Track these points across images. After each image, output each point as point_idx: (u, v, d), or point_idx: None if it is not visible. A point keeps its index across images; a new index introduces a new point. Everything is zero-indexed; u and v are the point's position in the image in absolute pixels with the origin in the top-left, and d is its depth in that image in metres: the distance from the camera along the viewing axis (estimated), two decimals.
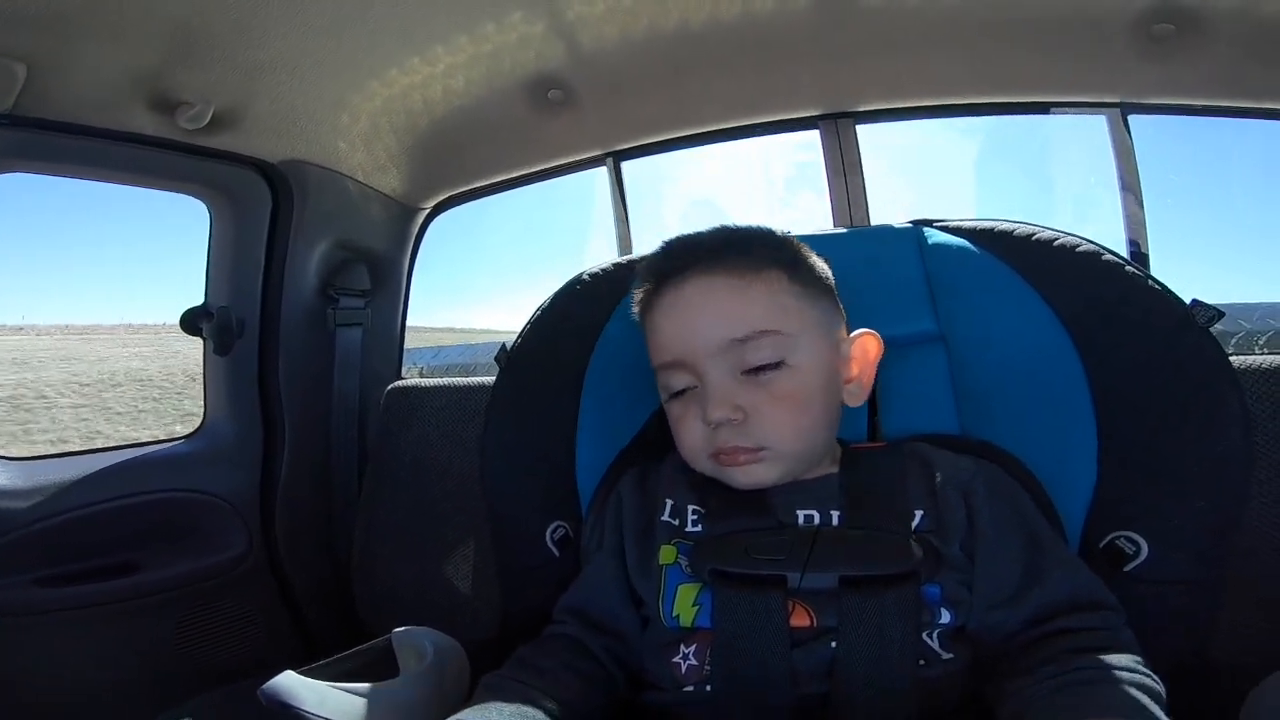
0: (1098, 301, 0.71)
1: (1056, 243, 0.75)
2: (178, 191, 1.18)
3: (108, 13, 0.84)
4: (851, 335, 0.69)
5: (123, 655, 1.10)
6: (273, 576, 1.29)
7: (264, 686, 0.58)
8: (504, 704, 0.56)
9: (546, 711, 0.57)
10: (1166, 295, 0.70)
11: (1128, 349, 0.69)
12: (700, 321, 0.63)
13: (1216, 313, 0.67)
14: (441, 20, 0.98)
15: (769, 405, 0.61)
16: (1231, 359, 0.92)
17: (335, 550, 1.34)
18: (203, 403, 1.31)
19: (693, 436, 0.64)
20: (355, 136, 1.20)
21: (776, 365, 0.62)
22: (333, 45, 0.99)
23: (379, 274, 1.39)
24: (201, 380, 1.30)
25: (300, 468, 1.29)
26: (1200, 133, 1.23)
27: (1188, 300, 0.69)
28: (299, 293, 1.27)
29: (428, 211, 1.44)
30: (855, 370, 0.68)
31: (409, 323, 1.51)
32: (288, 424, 1.27)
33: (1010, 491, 0.64)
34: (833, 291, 0.69)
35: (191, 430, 1.30)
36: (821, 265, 0.69)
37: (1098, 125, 1.21)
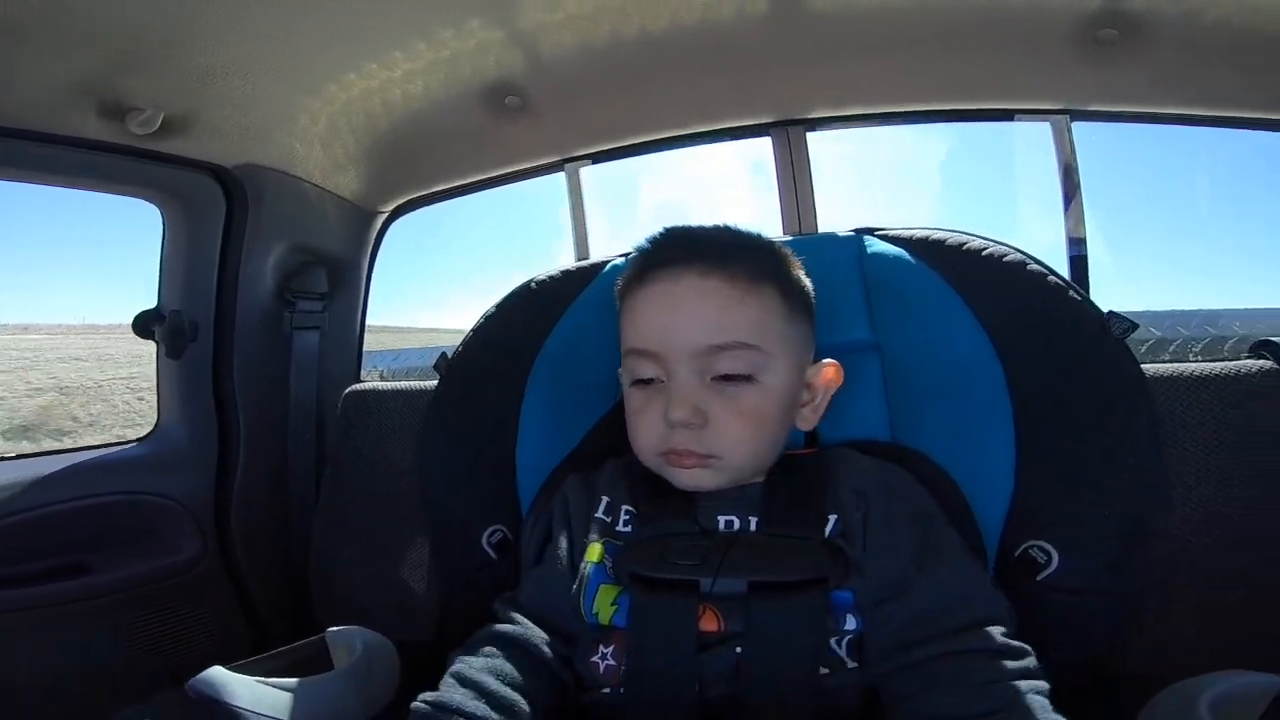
0: (1020, 311, 0.72)
1: (985, 252, 0.77)
2: (129, 195, 1.18)
3: (53, 20, 0.84)
4: (817, 364, 0.70)
5: (74, 657, 1.10)
6: (228, 579, 1.28)
7: (192, 680, 0.59)
8: None
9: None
10: (1085, 306, 0.72)
11: (1046, 359, 0.70)
12: (686, 321, 0.63)
13: (1131, 324, 0.69)
14: (399, 26, 0.98)
15: (730, 416, 0.62)
16: (1158, 366, 0.97)
17: (292, 553, 1.34)
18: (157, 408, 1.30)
19: (649, 431, 0.65)
20: (312, 140, 1.20)
21: (746, 379, 0.63)
22: (285, 51, 0.98)
23: (337, 277, 1.39)
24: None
25: (256, 471, 1.29)
26: (1144, 140, 1.27)
27: (1106, 311, 0.71)
28: (254, 296, 1.27)
29: (386, 215, 1.44)
30: (813, 397, 0.69)
31: (371, 324, 1.51)
32: (243, 427, 1.27)
33: (911, 493, 0.65)
34: (813, 314, 0.70)
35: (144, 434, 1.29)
36: (808, 285, 0.70)
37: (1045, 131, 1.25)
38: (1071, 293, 0.72)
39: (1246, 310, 1.24)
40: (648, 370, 0.65)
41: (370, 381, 1.41)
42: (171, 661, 1.18)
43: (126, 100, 0.99)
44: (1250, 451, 0.92)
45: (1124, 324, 0.69)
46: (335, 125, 1.18)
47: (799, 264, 0.70)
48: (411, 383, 1.28)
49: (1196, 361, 1.03)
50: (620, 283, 0.71)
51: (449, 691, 0.58)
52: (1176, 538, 0.92)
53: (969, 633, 0.55)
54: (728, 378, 0.62)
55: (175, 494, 1.23)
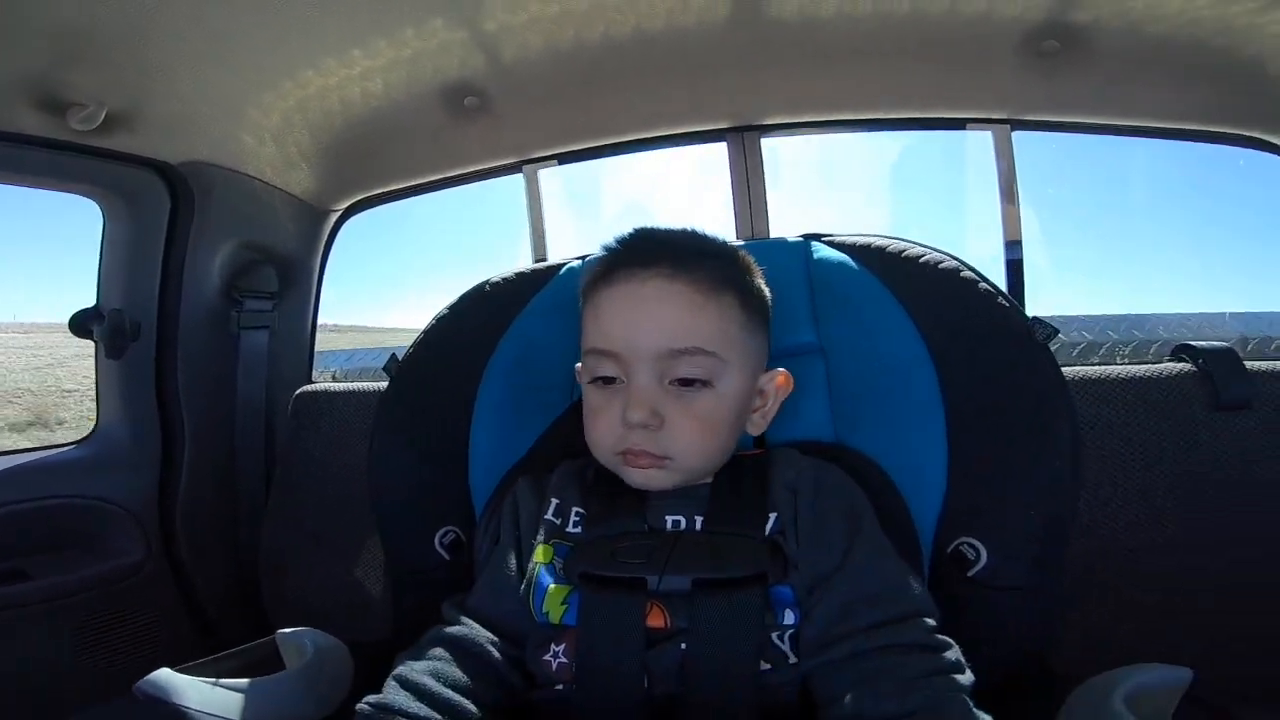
0: (952, 317, 0.75)
1: (921, 259, 0.80)
2: (67, 192, 1.14)
3: None
4: (770, 372, 0.71)
5: (15, 665, 1.07)
6: (174, 582, 1.26)
7: (139, 682, 0.58)
8: None
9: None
10: (1012, 313, 0.75)
11: (976, 362, 0.73)
12: (649, 323, 0.63)
13: (1053, 330, 0.72)
14: (360, 24, 0.97)
15: (684, 420, 0.63)
16: (1085, 370, 1.02)
17: (241, 555, 1.32)
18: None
19: (605, 430, 0.66)
20: (264, 137, 1.18)
21: (703, 384, 0.64)
22: (239, 46, 0.97)
23: (288, 276, 1.37)
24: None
25: (202, 472, 1.27)
26: (1082, 149, 1.33)
27: (1030, 317, 0.75)
28: (200, 295, 1.24)
29: (339, 213, 1.42)
30: (764, 403, 0.71)
31: (323, 322, 1.49)
32: (188, 428, 1.24)
33: (840, 489, 0.67)
34: (769, 322, 0.72)
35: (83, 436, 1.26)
36: (767, 294, 0.72)
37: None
38: (1000, 299, 0.76)
39: (1172, 314, 1.31)
40: (608, 369, 0.66)
41: (322, 382, 1.39)
42: (117, 667, 1.15)
43: (67, 95, 0.96)
44: (1169, 450, 0.98)
45: (1047, 329, 0.72)
46: (289, 121, 1.17)
47: (760, 272, 0.72)
48: (365, 384, 1.27)
49: (1122, 365, 1.08)
50: (585, 280, 0.71)
51: (392, 694, 0.58)
52: (1102, 535, 0.97)
53: (893, 626, 0.57)
54: (685, 382, 0.64)
55: (117, 497, 1.20)
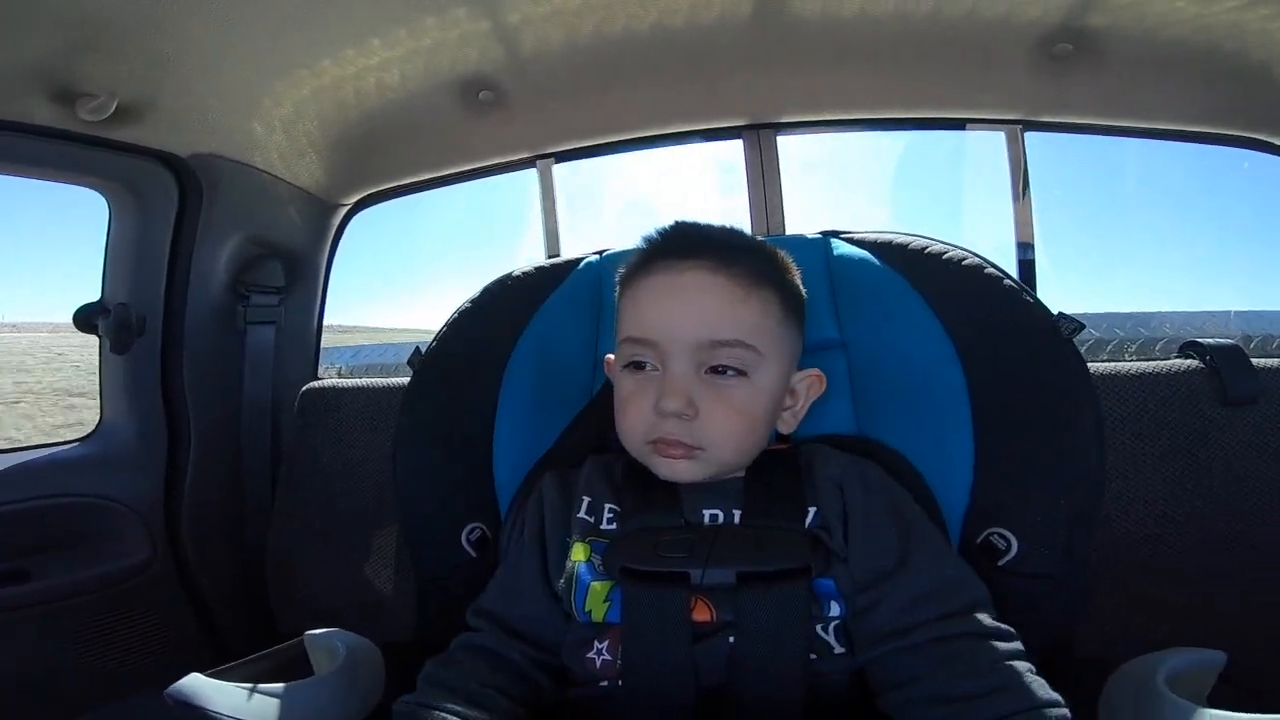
0: (978, 313, 0.76)
1: (945, 256, 0.81)
2: (74, 184, 1.12)
3: (5, 3, 0.80)
4: (803, 371, 0.72)
5: (17, 666, 1.04)
6: (180, 582, 1.24)
7: (169, 689, 0.57)
8: None
9: None
10: (1037, 308, 0.76)
11: (1001, 358, 0.74)
12: (689, 313, 0.64)
13: (1079, 325, 0.73)
14: (370, 17, 0.95)
15: (720, 410, 0.63)
16: (1095, 366, 1.03)
17: (248, 554, 1.30)
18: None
19: (637, 417, 0.65)
20: (274, 129, 1.16)
21: (739, 374, 0.64)
22: (249, 40, 0.95)
23: (295, 271, 1.35)
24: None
25: (208, 470, 1.25)
26: (1092, 149, 1.34)
27: (1056, 313, 0.76)
28: (206, 289, 1.22)
29: (348, 208, 1.40)
30: (794, 402, 0.71)
31: (330, 323, 1.48)
32: (194, 425, 1.23)
33: (885, 486, 0.68)
34: (803, 321, 0.72)
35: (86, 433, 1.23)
36: (802, 292, 0.72)
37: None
38: (1025, 295, 0.77)
39: (1178, 313, 1.33)
40: (643, 355, 0.66)
41: (328, 379, 1.38)
42: (124, 667, 1.14)
43: (79, 86, 0.94)
44: (1178, 445, 0.99)
45: (1072, 324, 0.73)
46: (300, 113, 1.15)
47: (797, 271, 0.72)
48: (372, 380, 1.26)
49: (1131, 361, 1.10)
50: (623, 272, 0.71)
51: (427, 693, 0.59)
52: (1114, 528, 0.99)
53: (961, 617, 0.58)
54: (721, 372, 0.64)
55: (122, 495, 1.17)
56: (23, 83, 0.93)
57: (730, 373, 0.64)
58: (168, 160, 1.15)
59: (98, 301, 1.17)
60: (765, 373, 0.65)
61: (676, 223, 0.70)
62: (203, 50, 0.95)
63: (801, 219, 1.32)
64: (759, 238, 0.74)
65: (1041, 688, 0.53)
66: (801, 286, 0.73)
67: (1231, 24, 0.95)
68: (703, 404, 0.63)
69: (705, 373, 0.64)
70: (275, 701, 0.59)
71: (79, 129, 1.01)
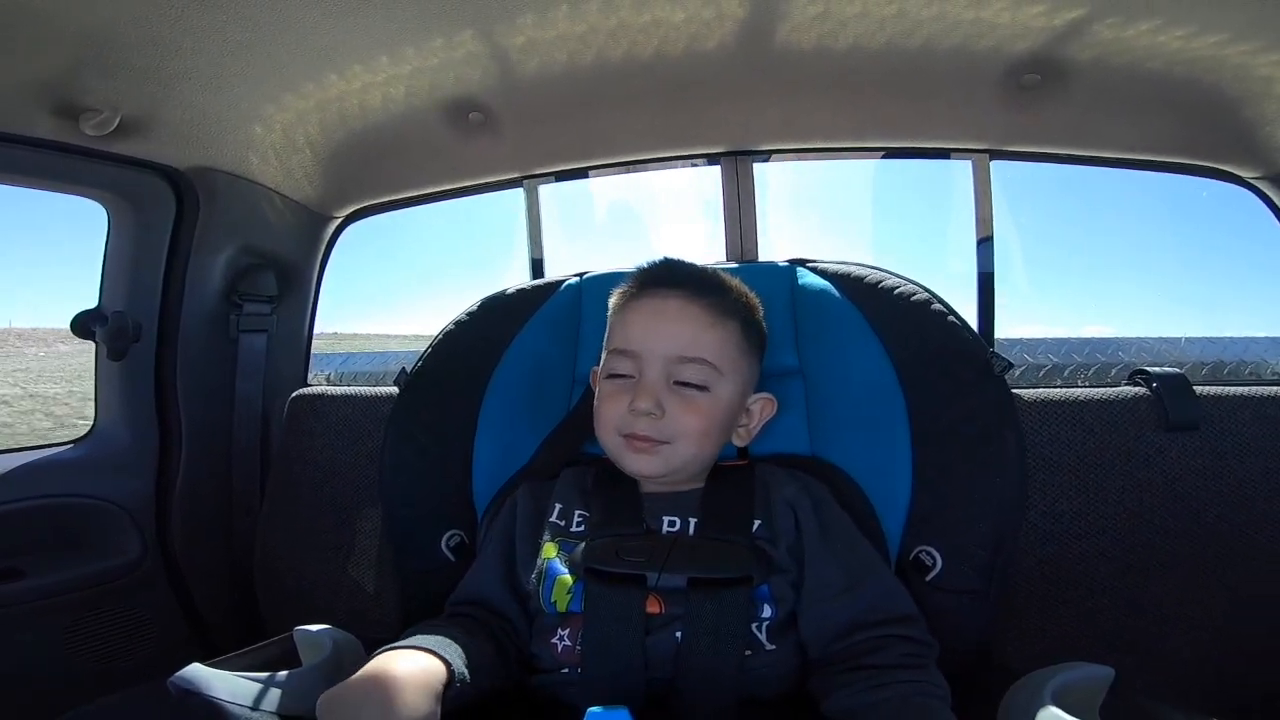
0: (920, 346, 0.83)
1: (897, 290, 0.87)
2: (74, 194, 1.16)
3: (15, 21, 0.84)
4: (757, 396, 0.82)
5: (9, 663, 1.08)
6: (169, 582, 1.28)
7: (173, 677, 0.62)
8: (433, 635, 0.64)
9: (475, 652, 0.65)
10: (974, 343, 0.83)
11: (937, 388, 0.81)
12: (666, 333, 0.76)
13: (1008, 363, 0.81)
14: (362, 40, 1.00)
15: (684, 412, 0.74)
16: (1047, 391, 1.09)
17: (237, 556, 1.34)
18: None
19: (613, 413, 0.76)
20: (268, 146, 1.20)
21: (701, 388, 0.75)
22: (250, 59, 0.99)
23: (287, 280, 1.39)
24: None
25: (199, 473, 1.29)
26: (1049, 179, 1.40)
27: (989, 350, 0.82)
28: (201, 298, 1.27)
29: (340, 220, 1.45)
30: (750, 421, 0.82)
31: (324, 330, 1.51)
32: (186, 429, 1.27)
33: (833, 506, 0.77)
34: (763, 353, 0.84)
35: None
36: (764, 328, 0.83)
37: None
38: (964, 332, 0.84)
39: (1132, 339, 1.39)
40: (623, 367, 0.77)
41: (318, 385, 1.42)
42: (113, 665, 1.17)
43: (83, 101, 0.98)
44: (1123, 468, 1.05)
45: (1003, 363, 0.81)
46: (296, 128, 1.19)
47: (760, 310, 0.83)
48: (360, 388, 1.30)
49: (1083, 387, 1.16)
50: (616, 296, 0.82)
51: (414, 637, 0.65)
52: (1057, 546, 1.04)
53: (891, 624, 0.67)
54: (686, 384, 0.75)
55: (114, 496, 1.22)
56: (29, 98, 0.97)
57: (692, 388, 0.75)
58: (166, 172, 1.19)
59: (95, 308, 1.21)
60: (723, 389, 0.76)
61: (664, 259, 0.82)
62: (204, 67, 0.99)
63: (785, 241, 1.37)
64: (732, 273, 0.84)
65: (927, 694, 0.61)
66: (763, 324, 0.83)
67: (1212, 58, 1.00)
68: (669, 407, 0.74)
69: (674, 384, 0.75)
70: (268, 688, 0.64)
71: (81, 142, 1.06)
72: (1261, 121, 1.10)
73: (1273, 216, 1.23)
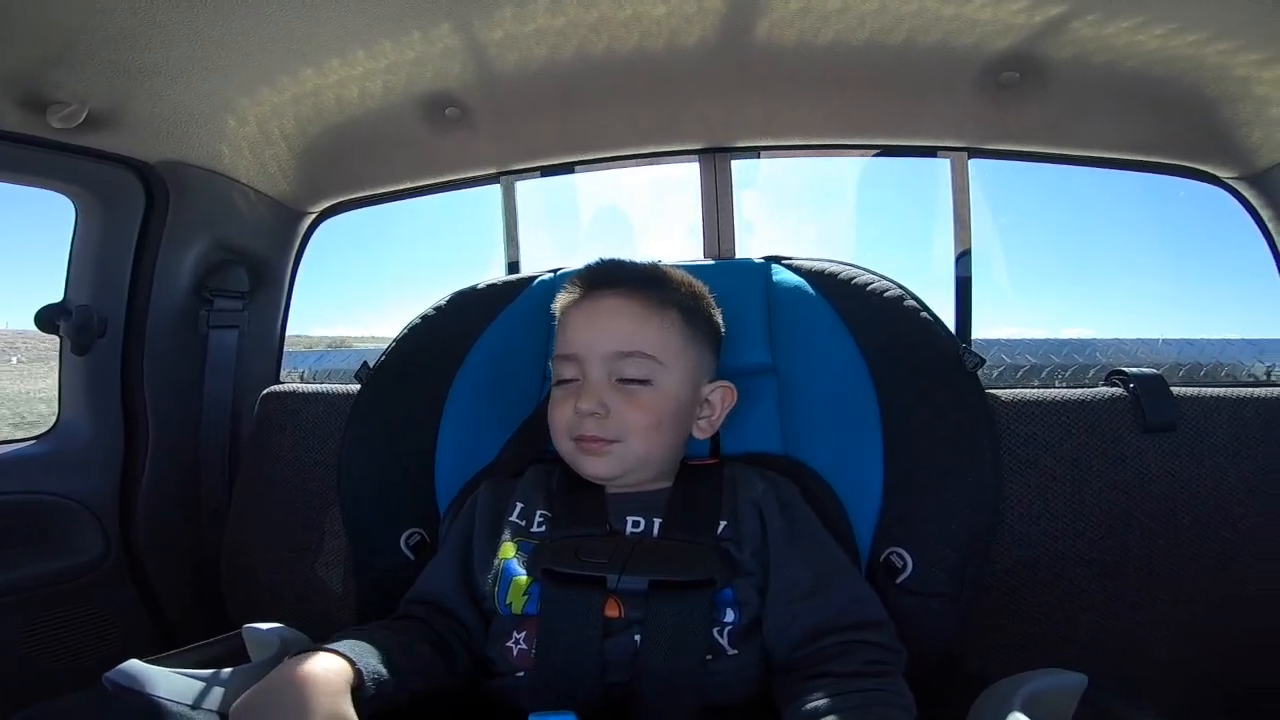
0: (893, 343, 0.82)
1: (869, 287, 0.86)
2: (40, 188, 1.13)
3: None
4: (713, 384, 0.80)
5: None
6: (133, 581, 1.25)
7: (108, 673, 0.60)
8: (357, 641, 0.61)
9: (399, 653, 0.62)
10: (947, 340, 0.81)
11: (909, 386, 0.80)
12: (601, 332, 0.75)
13: (980, 359, 0.79)
14: (338, 34, 0.98)
15: (629, 408, 0.73)
16: (1024, 391, 1.08)
17: (204, 554, 1.32)
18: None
19: (563, 417, 0.76)
20: (241, 139, 1.19)
21: (644, 382, 0.74)
22: (223, 53, 0.98)
23: (259, 276, 1.37)
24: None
25: (165, 470, 1.27)
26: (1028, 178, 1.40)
27: (961, 346, 0.81)
28: (169, 293, 1.24)
29: (314, 216, 1.43)
30: (708, 411, 0.80)
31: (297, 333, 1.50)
32: (152, 426, 1.24)
33: (801, 506, 0.75)
34: (719, 343, 0.82)
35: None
36: (717, 319, 0.83)
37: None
38: (937, 328, 0.82)
39: (1110, 340, 1.39)
40: (568, 371, 0.77)
41: (290, 383, 1.40)
42: (75, 664, 1.15)
43: (50, 94, 0.97)
44: (1100, 469, 1.04)
45: (974, 358, 0.79)
46: (266, 125, 1.18)
47: (711, 301, 0.82)
48: (333, 385, 1.28)
49: (1060, 388, 1.15)
50: (558, 302, 0.82)
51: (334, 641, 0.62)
52: (1034, 548, 1.03)
53: (858, 629, 0.65)
54: (629, 381, 0.74)
55: (77, 493, 1.19)
56: None
57: (635, 384, 0.74)
58: (135, 166, 1.17)
59: (60, 302, 1.19)
60: (667, 381, 0.75)
61: (602, 260, 0.82)
62: (176, 61, 0.97)
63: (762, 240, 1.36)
64: (707, 270, 0.84)
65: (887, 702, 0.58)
66: (717, 315, 0.82)
67: (1191, 57, 0.99)
68: (614, 405, 0.73)
69: (617, 381, 0.74)
70: (209, 686, 0.62)
71: (48, 135, 1.03)
72: (1238, 122, 1.10)
73: (1249, 217, 1.23)
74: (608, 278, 0.79)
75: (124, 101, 1.03)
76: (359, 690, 0.57)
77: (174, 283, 1.25)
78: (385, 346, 0.95)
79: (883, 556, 0.76)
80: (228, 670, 0.65)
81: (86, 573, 1.17)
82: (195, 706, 0.60)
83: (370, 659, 0.59)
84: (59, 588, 1.14)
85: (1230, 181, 1.22)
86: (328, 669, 0.56)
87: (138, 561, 1.24)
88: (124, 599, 1.23)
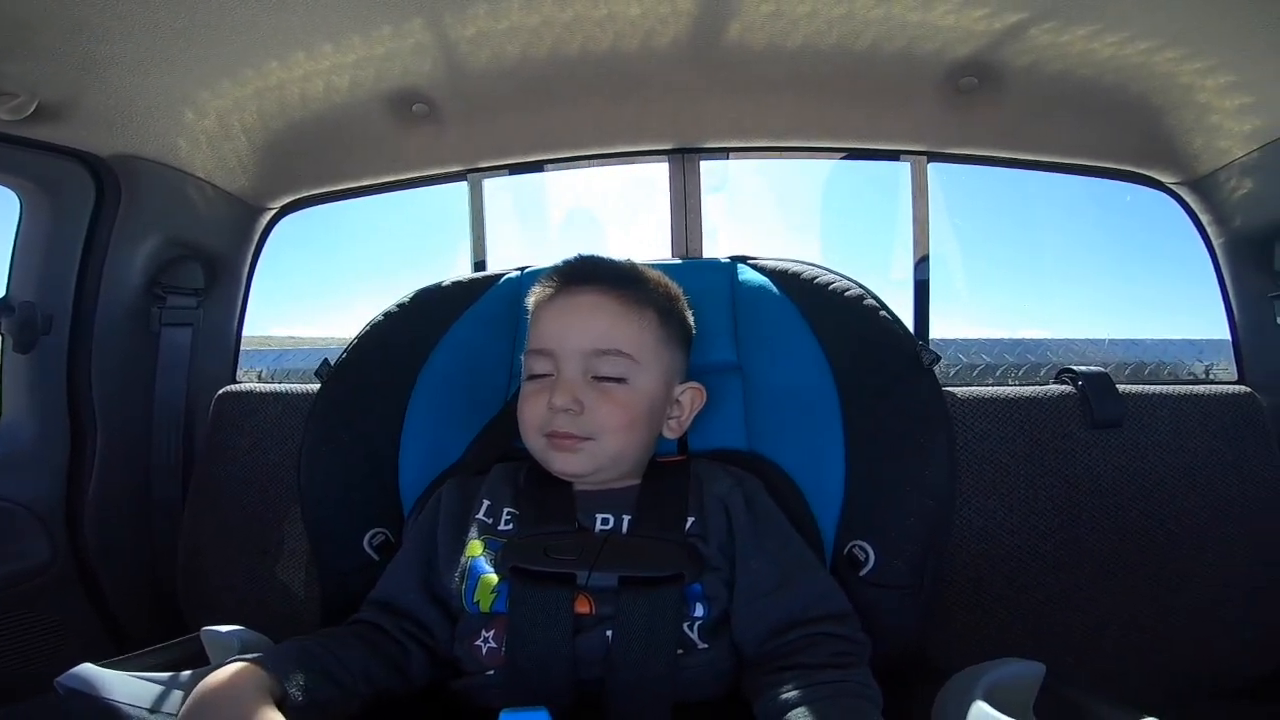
0: (853, 341, 0.84)
1: (831, 286, 0.88)
2: None
3: None
4: (684, 385, 0.81)
5: None
6: (81, 585, 1.21)
7: (59, 678, 0.58)
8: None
9: (334, 661, 0.61)
10: (904, 339, 0.83)
11: (868, 383, 0.81)
12: (579, 327, 0.75)
13: (936, 356, 0.81)
14: (304, 27, 0.96)
15: (604, 405, 0.73)
16: (979, 390, 1.11)
17: (157, 557, 1.28)
18: None
19: (535, 412, 0.75)
20: (200, 133, 1.15)
21: (619, 380, 0.74)
22: (184, 45, 0.95)
23: (215, 273, 1.33)
24: None
25: (114, 472, 1.22)
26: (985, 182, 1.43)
27: (918, 344, 0.82)
28: (119, 290, 1.20)
29: (274, 212, 1.40)
30: (678, 412, 0.81)
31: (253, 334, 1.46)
32: (100, 426, 1.20)
33: (766, 502, 0.76)
34: (689, 345, 0.83)
35: None
36: (689, 320, 0.83)
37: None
38: (895, 326, 0.84)
39: (1059, 340, 1.44)
40: (542, 367, 0.76)
41: (247, 383, 1.37)
42: (24, 671, 1.10)
43: None
44: (1051, 464, 1.08)
45: (931, 355, 0.81)
46: (227, 119, 1.15)
47: (684, 301, 0.83)
48: (291, 385, 1.26)
49: (1014, 386, 1.19)
50: (532, 296, 0.81)
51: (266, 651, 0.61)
52: (989, 541, 1.06)
53: (824, 622, 0.67)
54: (604, 378, 0.74)
55: (19, 497, 1.14)
56: None
57: (611, 381, 0.74)
58: (86, 159, 1.13)
59: (2, 298, 1.14)
60: (643, 379, 0.75)
61: (579, 255, 0.81)
62: (133, 53, 0.94)
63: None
64: (674, 269, 0.84)
65: (855, 692, 0.60)
66: (689, 316, 0.82)
67: (1141, 65, 1.03)
68: (588, 401, 0.73)
69: (592, 378, 0.74)
70: (164, 690, 0.60)
71: None
72: (1181, 128, 1.15)
73: (1190, 222, 1.28)
74: (585, 274, 0.78)
75: (76, 94, 1.00)
76: (285, 699, 0.55)
77: (124, 279, 1.21)
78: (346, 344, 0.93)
79: (846, 550, 0.78)
80: (185, 673, 0.64)
81: (33, 577, 1.13)
82: (153, 710, 0.58)
83: (295, 667, 0.58)
84: (6, 593, 1.09)
85: (1173, 187, 1.28)
86: (243, 679, 0.54)
87: (87, 566, 1.20)
88: (74, 604, 1.19)
